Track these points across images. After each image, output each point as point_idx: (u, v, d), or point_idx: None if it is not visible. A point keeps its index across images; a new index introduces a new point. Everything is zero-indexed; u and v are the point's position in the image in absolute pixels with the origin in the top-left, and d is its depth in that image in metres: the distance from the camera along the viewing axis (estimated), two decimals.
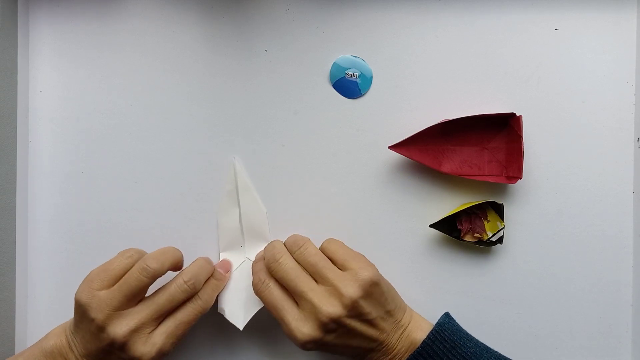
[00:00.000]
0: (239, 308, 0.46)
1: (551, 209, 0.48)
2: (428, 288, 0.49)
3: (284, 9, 0.49)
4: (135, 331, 0.40)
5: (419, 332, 0.43)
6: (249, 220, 0.49)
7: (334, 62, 0.48)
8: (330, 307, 0.40)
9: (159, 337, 0.41)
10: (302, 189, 0.49)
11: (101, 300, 0.40)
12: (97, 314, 0.40)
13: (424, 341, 0.42)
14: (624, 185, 0.48)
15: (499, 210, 0.47)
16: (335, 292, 0.41)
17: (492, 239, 0.47)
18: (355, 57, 0.48)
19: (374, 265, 0.43)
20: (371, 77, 0.48)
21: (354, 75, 0.48)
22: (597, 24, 0.48)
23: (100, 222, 0.49)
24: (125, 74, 0.49)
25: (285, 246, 0.45)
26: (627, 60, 0.48)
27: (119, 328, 0.40)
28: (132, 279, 0.41)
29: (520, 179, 0.46)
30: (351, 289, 0.41)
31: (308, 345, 0.41)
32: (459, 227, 0.47)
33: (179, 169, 0.49)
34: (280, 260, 0.43)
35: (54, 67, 0.49)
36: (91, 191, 0.49)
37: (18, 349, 0.48)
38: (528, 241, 0.48)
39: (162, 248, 0.45)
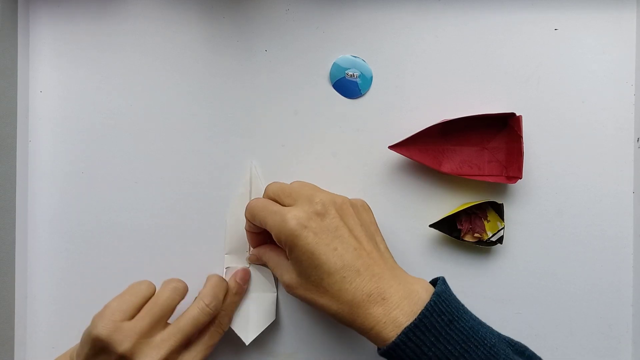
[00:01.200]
0: (246, 320, 0.47)
1: (551, 209, 0.48)
2: None
3: (284, 9, 0.49)
4: None
5: (419, 285, 0.39)
6: None
7: (334, 62, 0.48)
8: (320, 195, 0.40)
9: None
10: None
11: (126, 330, 0.40)
12: (123, 344, 0.39)
13: (422, 312, 0.37)
14: (624, 185, 0.48)
15: (499, 210, 0.47)
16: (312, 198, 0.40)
17: (492, 239, 0.47)
18: (355, 57, 0.48)
19: None
20: (371, 77, 0.48)
21: (354, 75, 0.48)
22: (597, 24, 0.48)
23: (100, 222, 0.49)
24: (125, 74, 0.49)
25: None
26: (627, 60, 0.48)
27: (150, 358, 0.40)
28: (164, 298, 0.42)
29: (520, 179, 0.46)
30: (325, 196, 0.41)
31: (292, 223, 0.38)
32: (459, 227, 0.47)
33: (178, 169, 0.49)
34: (250, 203, 0.43)
35: (54, 67, 0.49)
36: (91, 191, 0.49)
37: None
38: (528, 241, 0.48)
39: (171, 278, 0.45)
